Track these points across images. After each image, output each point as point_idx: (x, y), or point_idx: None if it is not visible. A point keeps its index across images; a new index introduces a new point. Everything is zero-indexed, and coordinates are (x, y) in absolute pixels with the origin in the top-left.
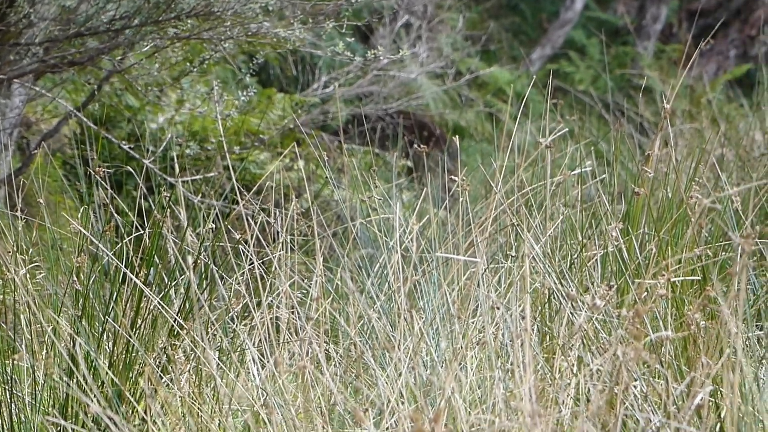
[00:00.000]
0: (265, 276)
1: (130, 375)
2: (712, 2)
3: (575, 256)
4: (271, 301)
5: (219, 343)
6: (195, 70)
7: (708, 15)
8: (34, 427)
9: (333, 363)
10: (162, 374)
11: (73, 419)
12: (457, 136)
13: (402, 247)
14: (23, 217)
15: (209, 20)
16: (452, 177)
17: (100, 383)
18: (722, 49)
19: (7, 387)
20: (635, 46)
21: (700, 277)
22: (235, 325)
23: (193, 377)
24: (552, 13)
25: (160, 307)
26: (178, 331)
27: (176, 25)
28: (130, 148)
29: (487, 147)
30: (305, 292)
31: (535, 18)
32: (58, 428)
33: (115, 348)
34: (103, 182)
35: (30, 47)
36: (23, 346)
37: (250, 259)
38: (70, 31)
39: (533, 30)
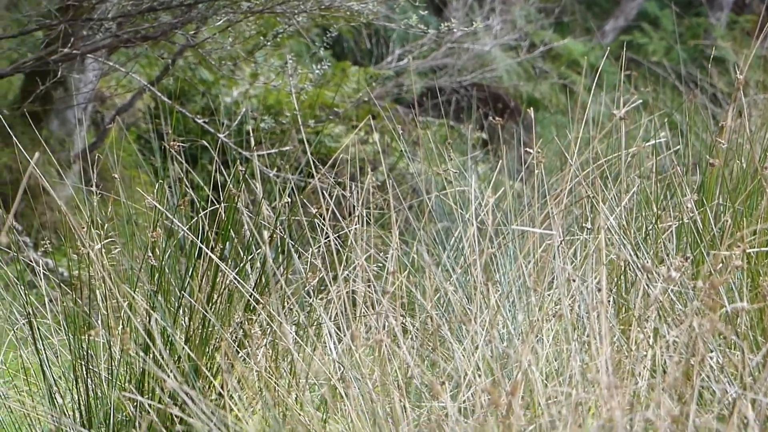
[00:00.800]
0: (341, 250)
1: (207, 350)
2: None
3: (650, 227)
4: (347, 274)
5: (295, 318)
6: (269, 43)
7: None
8: (110, 403)
9: (409, 336)
10: (238, 349)
11: (150, 395)
12: (531, 108)
13: (478, 220)
14: (98, 191)
15: None
16: (527, 149)
17: (176, 358)
18: None
19: (83, 362)
20: (708, 17)
21: None
22: (311, 300)
23: (270, 352)
24: None
25: (236, 282)
26: (254, 306)
27: None
28: (204, 122)
29: (561, 119)
30: (381, 265)
31: None
32: (135, 403)
33: (191, 323)
34: (177, 156)
35: (103, 22)
36: (99, 322)
37: (326, 233)
38: (142, 6)
39: (606, 2)
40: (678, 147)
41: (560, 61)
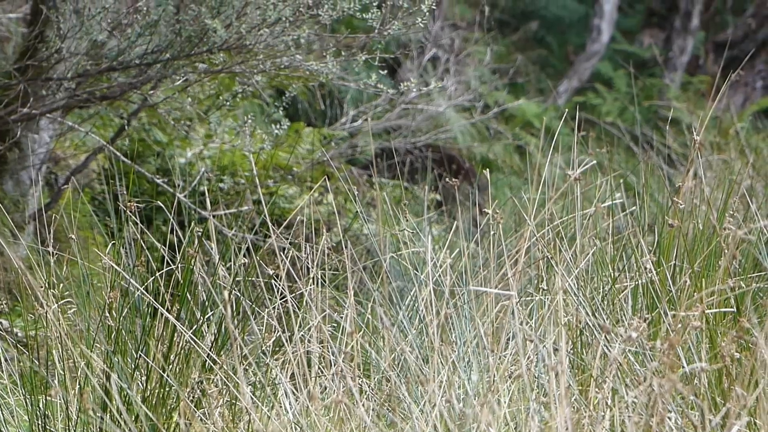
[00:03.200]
0: (296, 310)
1: (164, 410)
2: (738, 34)
3: (607, 288)
4: (303, 335)
5: (252, 378)
6: (228, 103)
7: (734, 47)
8: None
9: (366, 397)
10: (196, 409)
11: None
12: (485, 170)
13: (433, 281)
14: (54, 252)
15: (241, 53)
16: (482, 210)
17: (134, 418)
18: (749, 81)
19: (40, 423)
20: (662, 78)
21: (734, 309)
22: (267, 360)
23: (227, 411)
24: (578, 46)
25: (192, 342)
26: (211, 366)
27: (208, 59)
28: (163, 182)
29: (515, 180)
30: (337, 326)
31: (562, 51)
32: None
33: (149, 383)
34: (133, 217)
35: (62, 82)
36: (56, 382)
37: (282, 294)
38: (101, 66)
39: (560, 63)
40: (633, 208)
41: (514, 122)
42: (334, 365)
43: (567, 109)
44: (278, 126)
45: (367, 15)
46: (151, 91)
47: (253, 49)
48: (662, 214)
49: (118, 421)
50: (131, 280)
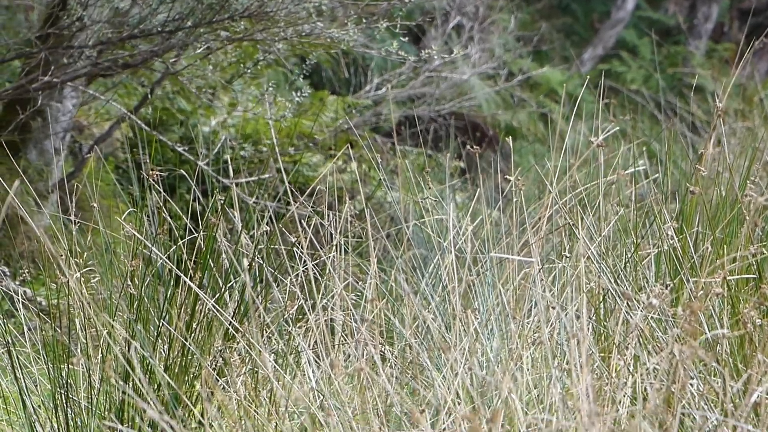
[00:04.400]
0: (319, 278)
1: (187, 378)
2: (762, 1)
3: (629, 255)
4: (326, 303)
5: (274, 346)
6: (248, 71)
7: (759, 14)
8: (90, 431)
9: (389, 364)
10: (218, 377)
11: (130, 423)
12: (509, 137)
13: (456, 248)
14: (76, 221)
15: (262, 21)
16: (506, 177)
17: (156, 387)
18: None
19: (62, 391)
20: (687, 46)
21: (755, 275)
22: (290, 328)
23: (250, 380)
24: (603, 14)
25: (215, 311)
26: (233, 334)
27: (229, 27)
28: (184, 150)
29: (539, 147)
30: (360, 294)
31: (587, 18)
32: None
33: (171, 352)
34: (156, 186)
35: (83, 50)
36: (78, 351)
37: (304, 262)
38: (122, 34)
39: (585, 30)
40: (656, 175)
41: (538, 90)
42: (357, 333)
43: (591, 77)
44: (299, 94)
45: None
46: (173, 60)
47: (274, 16)
48: (685, 181)
49: (140, 390)
50: (153, 248)
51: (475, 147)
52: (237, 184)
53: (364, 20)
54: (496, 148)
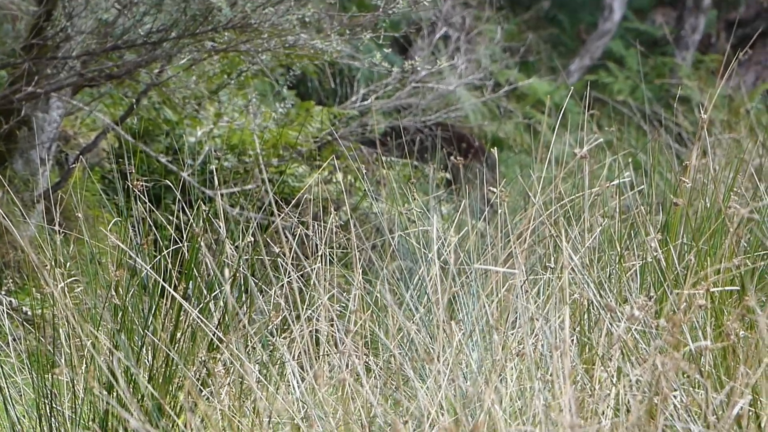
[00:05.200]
0: (304, 289)
1: (170, 389)
2: (750, 12)
3: (614, 266)
4: (311, 314)
5: (258, 357)
6: (233, 82)
7: (746, 25)
8: None
9: (373, 375)
10: (202, 388)
11: None
12: (495, 148)
13: (441, 259)
14: (62, 231)
15: (246, 32)
16: (491, 189)
17: (140, 397)
18: (760, 59)
19: (47, 401)
20: (674, 57)
21: (737, 288)
22: (274, 339)
23: (234, 390)
24: (590, 24)
25: (199, 321)
26: (217, 345)
27: (213, 38)
28: (168, 161)
29: (526, 158)
30: (344, 305)
31: (574, 29)
32: None
33: (155, 362)
34: (141, 196)
35: (67, 61)
36: (63, 360)
37: (289, 272)
38: (107, 45)
39: (572, 41)
40: (642, 186)
41: (525, 101)
42: (341, 344)
43: (577, 88)
44: (282, 104)
45: None
46: (158, 71)
47: (258, 27)
48: (670, 192)
49: (123, 401)
50: (137, 258)
51: (460, 158)
52: (222, 195)
53: (348, 31)
54: (482, 159)
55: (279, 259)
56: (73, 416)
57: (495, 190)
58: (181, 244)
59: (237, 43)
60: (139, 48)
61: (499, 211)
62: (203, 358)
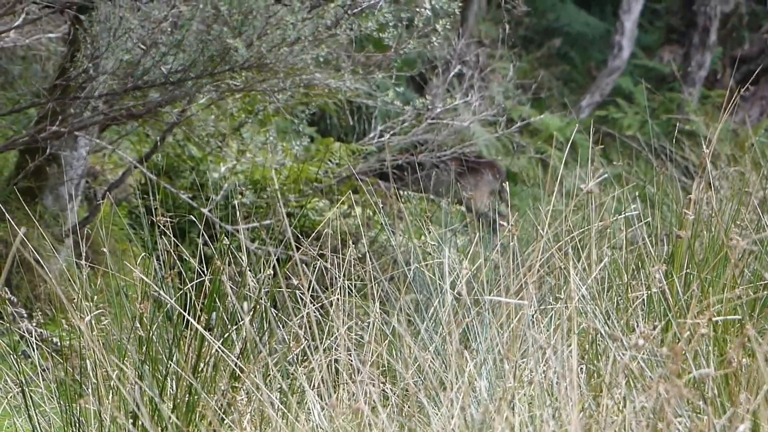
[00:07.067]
0: (322, 320)
1: (193, 418)
2: (754, 49)
3: (621, 297)
4: (329, 344)
5: (279, 386)
6: (250, 121)
7: (750, 61)
8: None
9: (389, 404)
10: (224, 416)
11: None
12: (507, 182)
13: (455, 291)
14: (89, 264)
15: (262, 72)
16: (500, 224)
17: (163, 426)
18: (765, 94)
19: (74, 429)
20: (681, 93)
21: (739, 317)
22: (293, 368)
23: (254, 419)
24: (600, 62)
25: (221, 351)
26: (239, 375)
27: (231, 78)
28: (189, 198)
29: (538, 191)
30: (362, 335)
31: (584, 66)
32: None
33: (178, 391)
34: (166, 231)
35: (90, 100)
36: (90, 390)
37: (307, 304)
38: (128, 85)
39: (582, 78)
40: (648, 219)
41: (538, 136)
42: (358, 373)
43: (587, 123)
44: (299, 143)
45: (384, 34)
46: (180, 110)
47: (273, 67)
48: (677, 224)
49: (147, 430)
50: (160, 291)
51: (469, 192)
52: (245, 230)
53: (360, 71)
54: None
55: (297, 291)
56: None
57: (504, 224)
58: (204, 277)
59: (254, 82)
60: (159, 87)
61: (510, 243)
62: (224, 388)
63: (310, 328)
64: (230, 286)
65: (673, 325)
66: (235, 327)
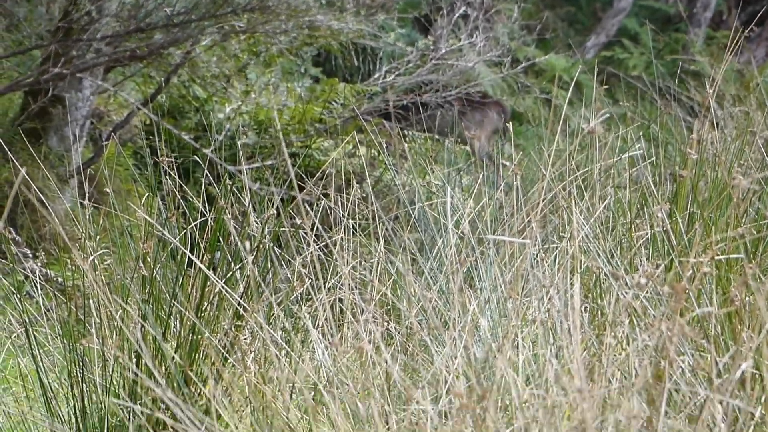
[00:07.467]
0: (326, 259)
1: (197, 357)
2: None
3: (624, 236)
4: (333, 283)
5: (282, 325)
6: (252, 62)
7: (756, 2)
8: (104, 408)
9: (393, 343)
10: (227, 356)
11: (142, 400)
12: (512, 122)
13: (459, 230)
14: (93, 205)
15: (264, 14)
16: (504, 163)
17: (166, 366)
18: None
19: (78, 369)
20: (686, 34)
21: (741, 256)
22: (297, 308)
23: (259, 358)
24: (606, 3)
25: (224, 291)
26: (242, 314)
27: (234, 19)
28: (191, 139)
29: (544, 131)
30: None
31: (590, 7)
32: (127, 409)
33: (182, 331)
34: (170, 171)
35: (93, 43)
36: (93, 330)
37: (311, 243)
38: (131, 27)
39: (588, 19)
40: (653, 158)
41: (543, 77)
42: (362, 313)
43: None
44: (301, 84)
45: None
46: (180, 51)
47: (275, 10)
48: (681, 163)
49: (150, 370)
50: (164, 231)
51: (472, 133)
52: (249, 170)
53: (362, 12)
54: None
55: (300, 231)
56: (104, 384)
57: (506, 163)
58: (206, 217)
59: (256, 24)
60: (163, 30)
61: (514, 183)
62: (228, 327)
63: (313, 268)
64: (233, 226)
65: (676, 264)
66: (238, 266)
